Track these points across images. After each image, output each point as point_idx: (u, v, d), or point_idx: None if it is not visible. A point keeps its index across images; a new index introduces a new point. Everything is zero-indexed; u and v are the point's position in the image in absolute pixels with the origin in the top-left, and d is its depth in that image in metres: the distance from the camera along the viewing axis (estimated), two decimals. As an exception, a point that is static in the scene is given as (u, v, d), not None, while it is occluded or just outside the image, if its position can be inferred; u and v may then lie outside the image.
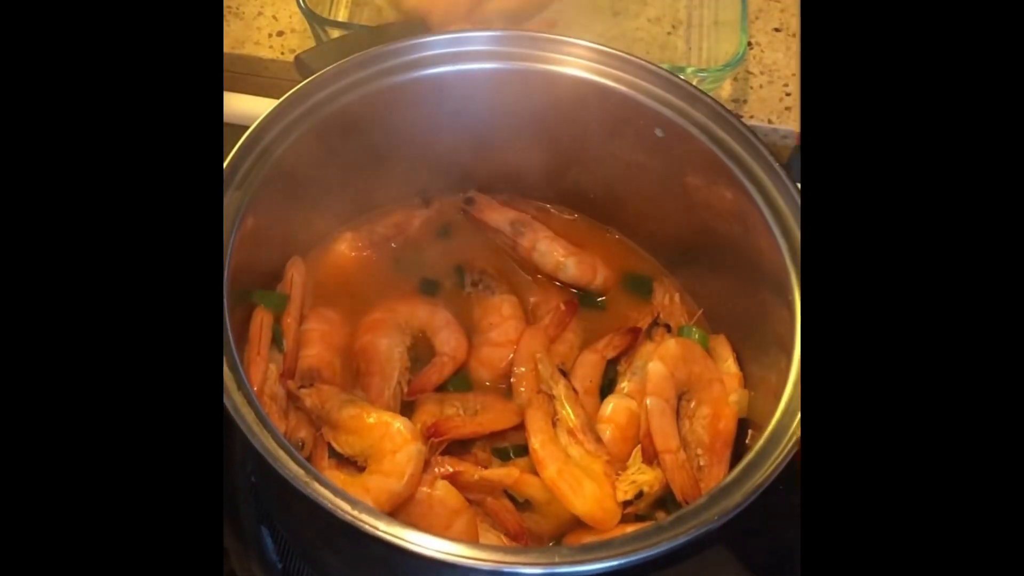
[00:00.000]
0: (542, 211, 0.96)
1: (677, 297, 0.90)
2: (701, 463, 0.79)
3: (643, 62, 0.83)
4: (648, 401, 0.79)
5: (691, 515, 0.64)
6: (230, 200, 0.74)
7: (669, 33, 1.16)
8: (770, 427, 0.68)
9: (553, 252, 0.91)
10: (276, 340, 0.82)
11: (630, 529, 0.73)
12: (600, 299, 0.91)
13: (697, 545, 0.63)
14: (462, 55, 0.84)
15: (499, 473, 0.77)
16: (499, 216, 0.92)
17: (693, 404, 0.82)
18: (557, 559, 0.61)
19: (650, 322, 0.87)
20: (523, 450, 0.79)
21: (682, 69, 1.02)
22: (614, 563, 0.61)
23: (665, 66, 0.86)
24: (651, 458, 0.78)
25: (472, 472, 0.76)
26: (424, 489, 0.74)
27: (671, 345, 0.82)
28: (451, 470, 0.76)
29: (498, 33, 0.85)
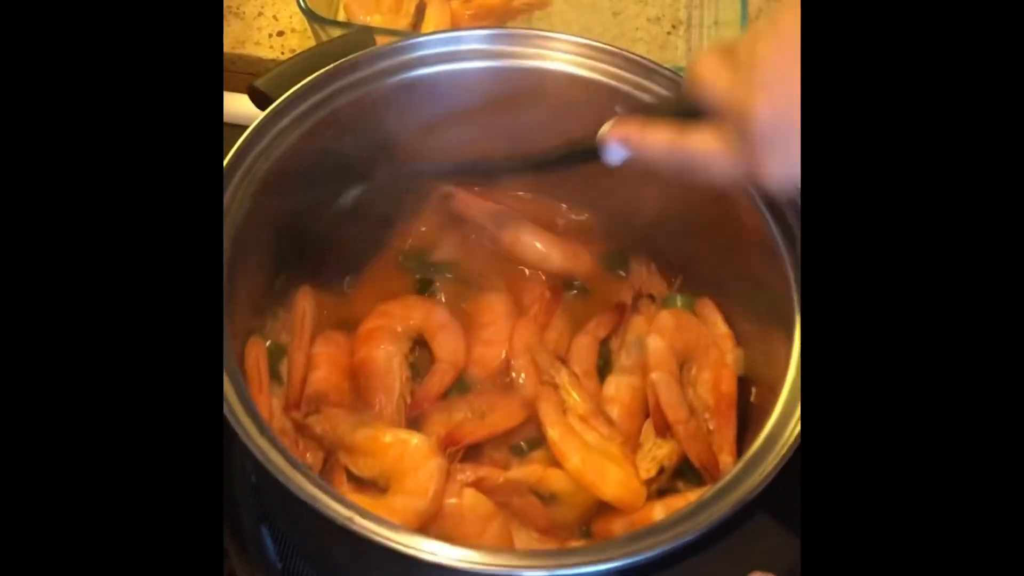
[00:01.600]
0: (519, 200, 0.95)
1: (654, 266, 0.90)
2: (710, 427, 0.79)
3: (631, 55, 0.83)
4: (653, 376, 0.79)
5: (728, 489, 0.64)
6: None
7: (669, 33, 1.16)
8: (786, 388, 0.69)
9: (535, 244, 0.90)
10: (274, 372, 0.81)
11: (658, 507, 0.73)
12: (580, 283, 0.91)
13: (739, 517, 0.62)
14: (453, 54, 0.84)
15: (523, 472, 0.76)
16: (479, 210, 0.91)
17: (694, 371, 0.82)
18: (612, 552, 0.61)
19: (633, 296, 0.87)
20: (537, 443, 0.79)
21: (682, 69, 1.01)
22: (662, 549, 0.61)
23: (664, 66, 0.85)
24: (663, 431, 0.78)
25: (496, 475, 0.75)
26: (452, 500, 0.73)
27: (665, 317, 0.82)
28: (475, 477, 0.75)
29: (490, 32, 0.85)
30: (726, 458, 0.79)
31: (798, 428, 0.66)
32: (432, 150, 0.89)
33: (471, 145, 0.89)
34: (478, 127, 0.88)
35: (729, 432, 0.80)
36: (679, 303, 0.86)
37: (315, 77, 0.79)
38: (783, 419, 0.67)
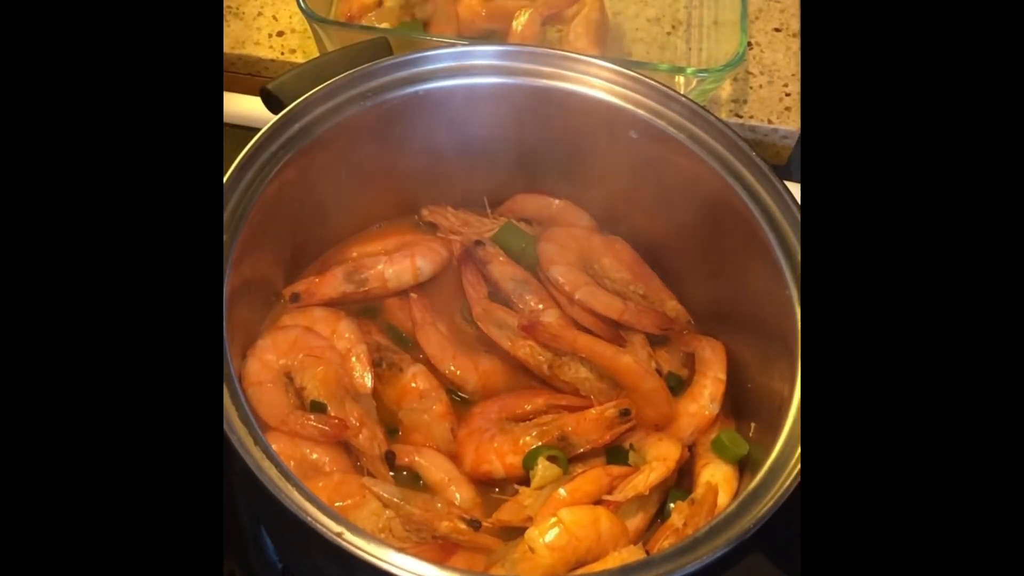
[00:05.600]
0: (550, 208, 0.94)
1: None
2: (640, 293, 0.88)
3: (649, 80, 0.83)
4: (578, 296, 0.85)
5: (725, 525, 0.63)
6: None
7: (669, 33, 1.16)
8: (786, 428, 0.68)
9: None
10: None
11: (667, 544, 0.73)
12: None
13: (734, 555, 0.62)
14: (466, 69, 0.83)
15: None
16: (503, 273, 0.91)
17: (595, 266, 0.89)
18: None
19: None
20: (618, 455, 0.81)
21: (682, 69, 1.02)
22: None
23: (664, 66, 0.86)
24: (617, 339, 0.85)
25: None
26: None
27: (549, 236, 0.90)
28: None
29: (501, 48, 0.85)
30: (673, 305, 0.88)
31: (797, 468, 0.66)
32: (440, 165, 0.89)
33: (480, 159, 0.89)
34: (488, 142, 0.88)
35: (656, 284, 0.89)
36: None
37: (327, 84, 0.79)
38: (782, 458, 0.67)
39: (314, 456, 0.76)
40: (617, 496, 0.75)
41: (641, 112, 0.82)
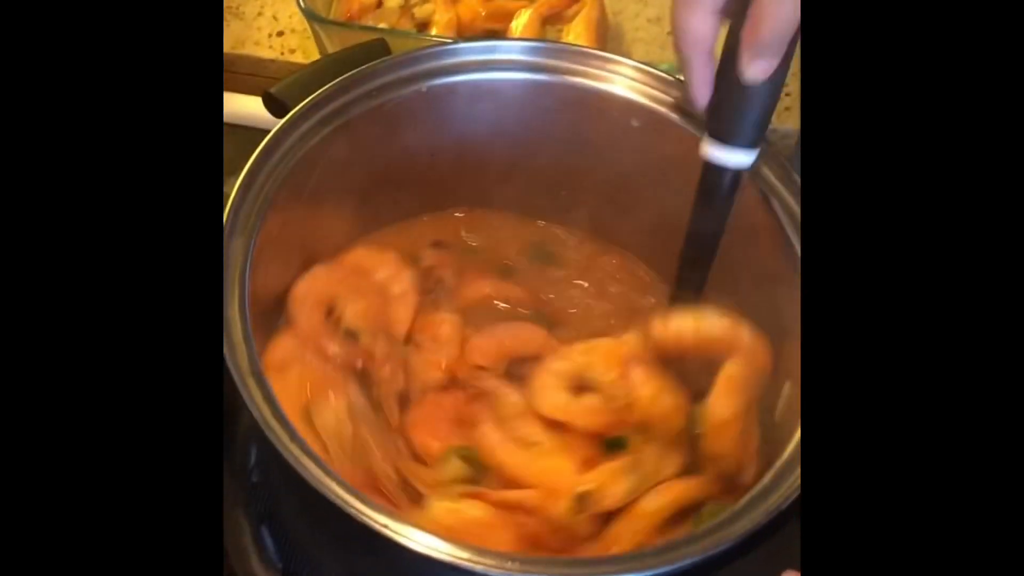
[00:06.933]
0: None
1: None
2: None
3: (669, 77, 0.83)
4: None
5: (761, 498, 0.64)
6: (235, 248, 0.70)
7: (669, 33, 1.16)
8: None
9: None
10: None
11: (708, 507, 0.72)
12: None
13: (773, 525, 0.63)
14: (488, 63, 0.83)
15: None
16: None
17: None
18: (648, 562, 0.60)
19: None
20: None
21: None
22: (697, 558, 0.60)
23: (664, 66, 0.85)
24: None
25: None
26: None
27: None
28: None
29: (528, 44, 0.84)
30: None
31: None
32: (451, 163, 0.89)
33: (492, 157, 0.89)
34: (502, 141, 0.88)
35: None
36: None
37: (332, 85, 0.79)
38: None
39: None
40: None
41: (673, 115, 0.82)
